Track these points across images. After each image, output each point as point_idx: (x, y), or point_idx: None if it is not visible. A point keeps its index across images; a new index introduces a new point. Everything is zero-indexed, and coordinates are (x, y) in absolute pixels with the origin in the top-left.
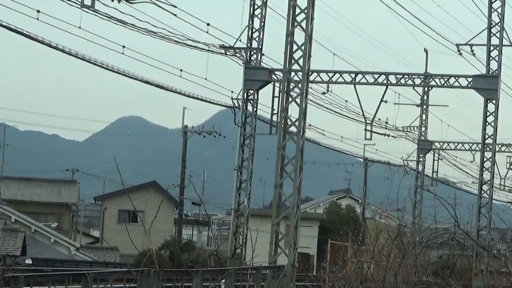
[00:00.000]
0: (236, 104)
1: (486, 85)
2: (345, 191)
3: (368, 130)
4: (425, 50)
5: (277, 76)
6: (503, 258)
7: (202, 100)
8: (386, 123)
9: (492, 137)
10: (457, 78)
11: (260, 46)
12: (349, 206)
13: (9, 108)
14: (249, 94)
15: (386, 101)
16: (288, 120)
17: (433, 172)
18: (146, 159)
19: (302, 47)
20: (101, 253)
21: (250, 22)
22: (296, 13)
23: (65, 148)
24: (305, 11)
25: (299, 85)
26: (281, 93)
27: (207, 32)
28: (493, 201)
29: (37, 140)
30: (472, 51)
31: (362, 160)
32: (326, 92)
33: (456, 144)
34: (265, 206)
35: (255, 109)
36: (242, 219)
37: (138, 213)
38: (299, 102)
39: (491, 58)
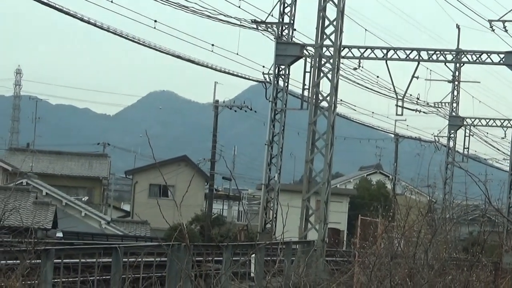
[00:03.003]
0: (268, 79)
1: None
2: (375, 167)
3: (399, 106)
4: (457, 26)
5: (309, 51)
6: None
7: (233, 75)
8: (418, 99)
9: None
10: (489, 54)
11: (291, 21)
12: (379, 182)
13: (41, 82)
14: (280, 69)
15: (417, 77)
16: (319, 95)
17: (464, 148)
18: (177, 133)
19: (334, 23)
20: (132, 227)
21: None
22: None
23: (96, 122)
24: None
25: (331, 61)
26: (312, 69)
27: (239, 7)
28: None
29: (69, 114)
30: (504, 27)
31: (393, 135)
32: (358, 67)
33: (487, 121)
34: (296, 181)
35: (286, 84)
36: (272, 194)
37: (169, 187)
38: (330, 78)
39: None
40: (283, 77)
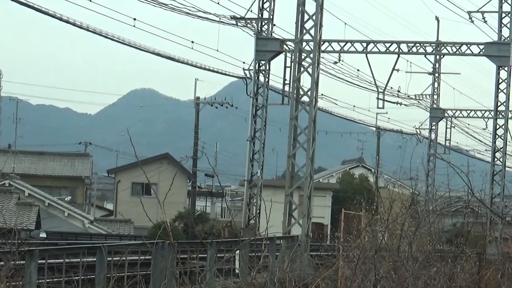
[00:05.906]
0: (248, 75)
1: (498, 52)
2: (358, 161)
3: (380, 99)
4: (437, 18)
5: (289, 46)
6: None
7: (213, 71)
8: (398, 91)
9: (504, 104)
10: (469, 45)
11: (271, 17)
12: (362, 175)
13: (21, 82)
14: (260, 64)
15: (398, 70)
16: (300, 90)
17: (445, 140)
18: (159, 131)
19: (314, 17)
20: (115, 226)
21: None
22: None
23: (78, 121)
24: None
25: (311, 55)
26: (293, 63)
27: (218, 3)
28: (507, 168)
29: (50, 114)
30: (483, 18)
31: (374, 129)
32: (338, 61)
33: (468, 112)
34: (278, 176)
35: (267, 79)
36: (255, 190)
37: (151, 185)
38: (311, 72)
39: (502, 25)
40: (263, 72)
